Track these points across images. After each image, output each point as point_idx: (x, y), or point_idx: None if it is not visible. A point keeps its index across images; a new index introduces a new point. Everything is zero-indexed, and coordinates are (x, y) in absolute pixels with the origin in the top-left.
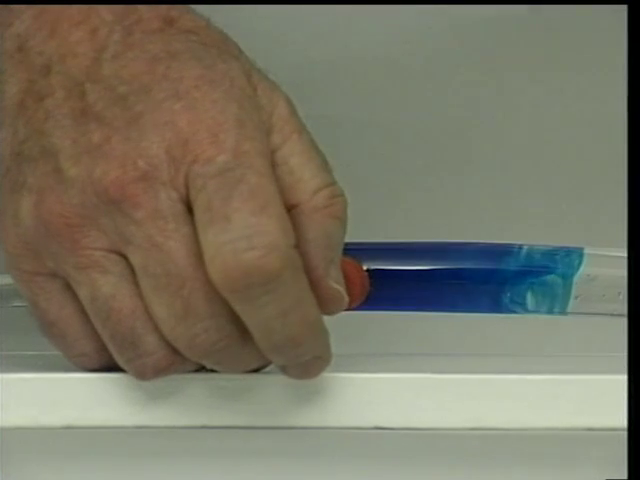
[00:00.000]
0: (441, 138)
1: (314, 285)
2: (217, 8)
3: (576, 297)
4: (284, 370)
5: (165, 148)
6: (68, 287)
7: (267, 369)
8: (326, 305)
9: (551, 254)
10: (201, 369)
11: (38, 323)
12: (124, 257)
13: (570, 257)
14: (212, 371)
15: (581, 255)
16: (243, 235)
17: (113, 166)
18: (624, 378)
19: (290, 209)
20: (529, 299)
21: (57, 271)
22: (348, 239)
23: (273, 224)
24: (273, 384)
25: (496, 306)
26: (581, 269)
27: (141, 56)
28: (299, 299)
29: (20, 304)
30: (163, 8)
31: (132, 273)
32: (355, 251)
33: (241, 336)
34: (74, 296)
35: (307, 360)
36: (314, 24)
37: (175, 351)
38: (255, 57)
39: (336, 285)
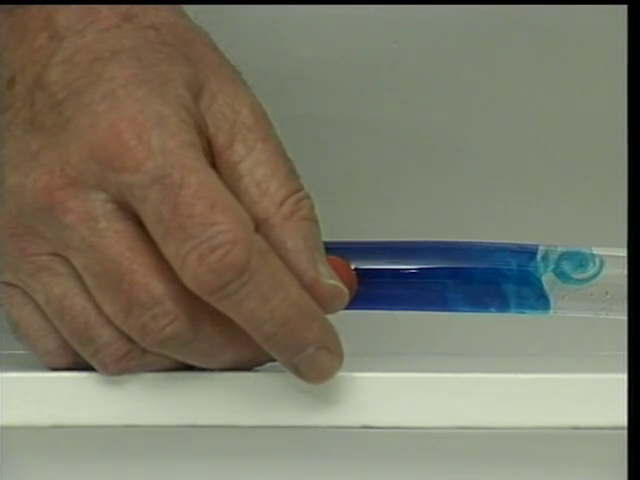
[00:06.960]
0: (437, 138)
1: (310, 289)
2: (215, 7)
3: (563, 297)
4: (298, 373)
5: (89, 152)
6: (27, 293)
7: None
8: (329, 303)
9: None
10: (189, 368)
11: (8, 325)
12: (68, 259)
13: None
14: (202, 370)
15: (594, 257)
16: (203, 239)
17: (42, 173)
18: (624, 377)
19: (260, 223)
20: (526, 299)
21: (15, 282)
22: (337, 238)
23: (227, 218)
24: (260, 383)
25: (492, 305)
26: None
27: (85, 58)
28: (276, 281)
29: None
30: (125, 6)
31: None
32: (343, 250)
33: (191, 321)
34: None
35: (313, 353)
36: (308, 23)
37: (131, 340)
38: (251, 56)
39: (331, 281)
